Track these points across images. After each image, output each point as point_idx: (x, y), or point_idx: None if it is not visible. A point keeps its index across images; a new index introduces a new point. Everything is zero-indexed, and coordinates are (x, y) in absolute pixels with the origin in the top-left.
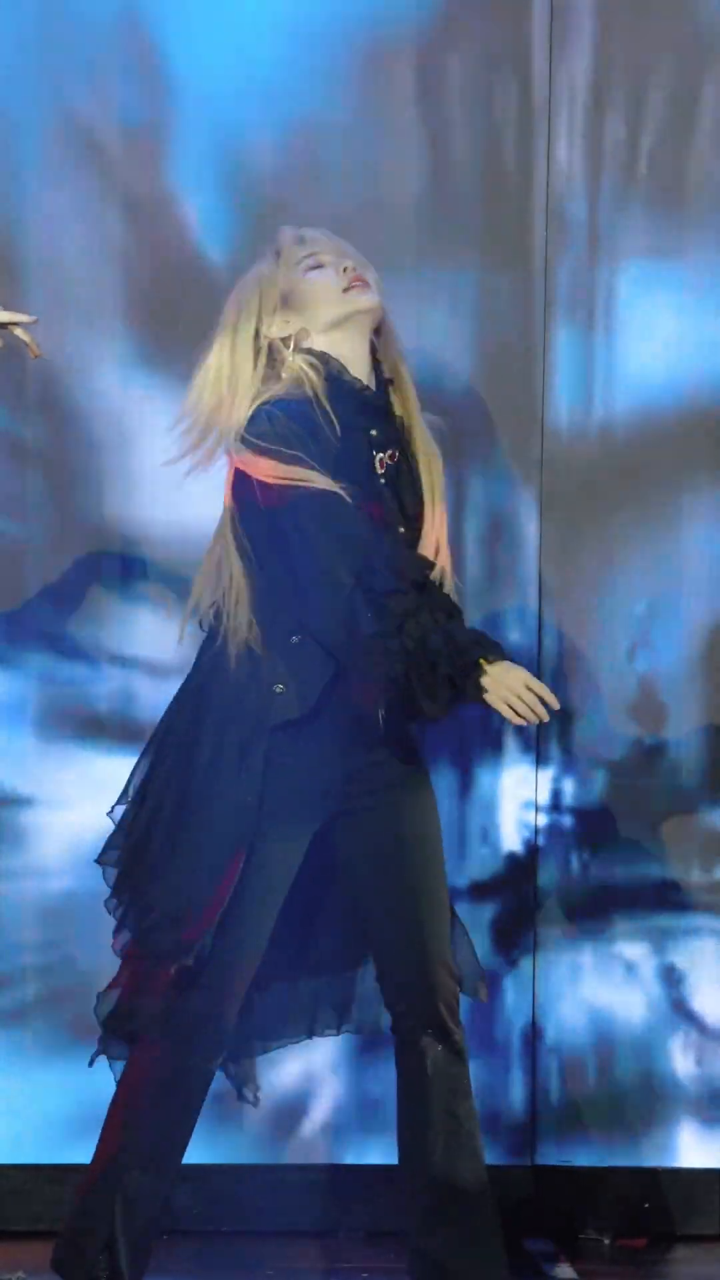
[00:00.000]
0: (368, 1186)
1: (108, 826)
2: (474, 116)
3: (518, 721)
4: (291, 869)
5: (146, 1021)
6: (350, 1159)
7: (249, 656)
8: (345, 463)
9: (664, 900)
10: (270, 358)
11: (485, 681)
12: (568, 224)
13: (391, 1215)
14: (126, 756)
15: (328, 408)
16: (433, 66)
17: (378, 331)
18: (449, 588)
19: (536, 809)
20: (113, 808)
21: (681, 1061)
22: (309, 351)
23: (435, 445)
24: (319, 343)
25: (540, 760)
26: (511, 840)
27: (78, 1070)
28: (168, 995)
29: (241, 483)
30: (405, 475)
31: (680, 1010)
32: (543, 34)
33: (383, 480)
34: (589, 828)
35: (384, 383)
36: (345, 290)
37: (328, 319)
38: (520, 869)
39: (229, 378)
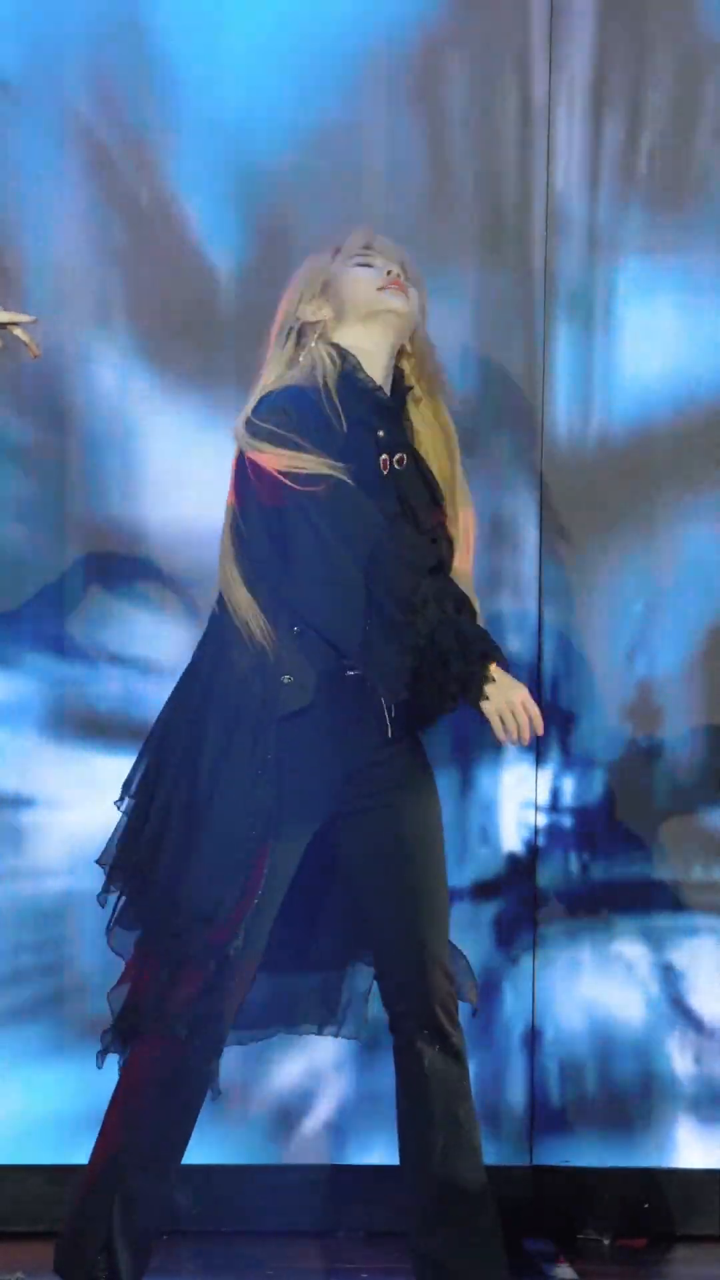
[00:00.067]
0: (368, 1186)
1: (107, 826)
2: (474, 120)
3: (502, 737)
4: (291, 869)
5: (157, 1019)
6: (350, 1159)
7: (253, 649)
8: (350, 458)
9: (663, 900)
10: (299, 340)
11: (489, 689)
12: (568, 226)
13: (391, 1215)
14: (126, 756)
15: (336, 401)
16: (433, 69)
17: (412, 341)
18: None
19: (536, 809)
20: (121, 799)
21: (681, 1062)
22: (332, 344)
23: (456, 463)
24: (344, 335)
25: (540, 760)
26: (511, 840)
27: (77, 1070)
28: (199, 995)
29: (244, 474)
30: (415, 481)
31: (679, 1010)
32: (542, 35)
33: (385, 481)
34: (588, 828)
35: (403, 390)
36: (380, 289)
37: (356, 312)
38: (520, 869)
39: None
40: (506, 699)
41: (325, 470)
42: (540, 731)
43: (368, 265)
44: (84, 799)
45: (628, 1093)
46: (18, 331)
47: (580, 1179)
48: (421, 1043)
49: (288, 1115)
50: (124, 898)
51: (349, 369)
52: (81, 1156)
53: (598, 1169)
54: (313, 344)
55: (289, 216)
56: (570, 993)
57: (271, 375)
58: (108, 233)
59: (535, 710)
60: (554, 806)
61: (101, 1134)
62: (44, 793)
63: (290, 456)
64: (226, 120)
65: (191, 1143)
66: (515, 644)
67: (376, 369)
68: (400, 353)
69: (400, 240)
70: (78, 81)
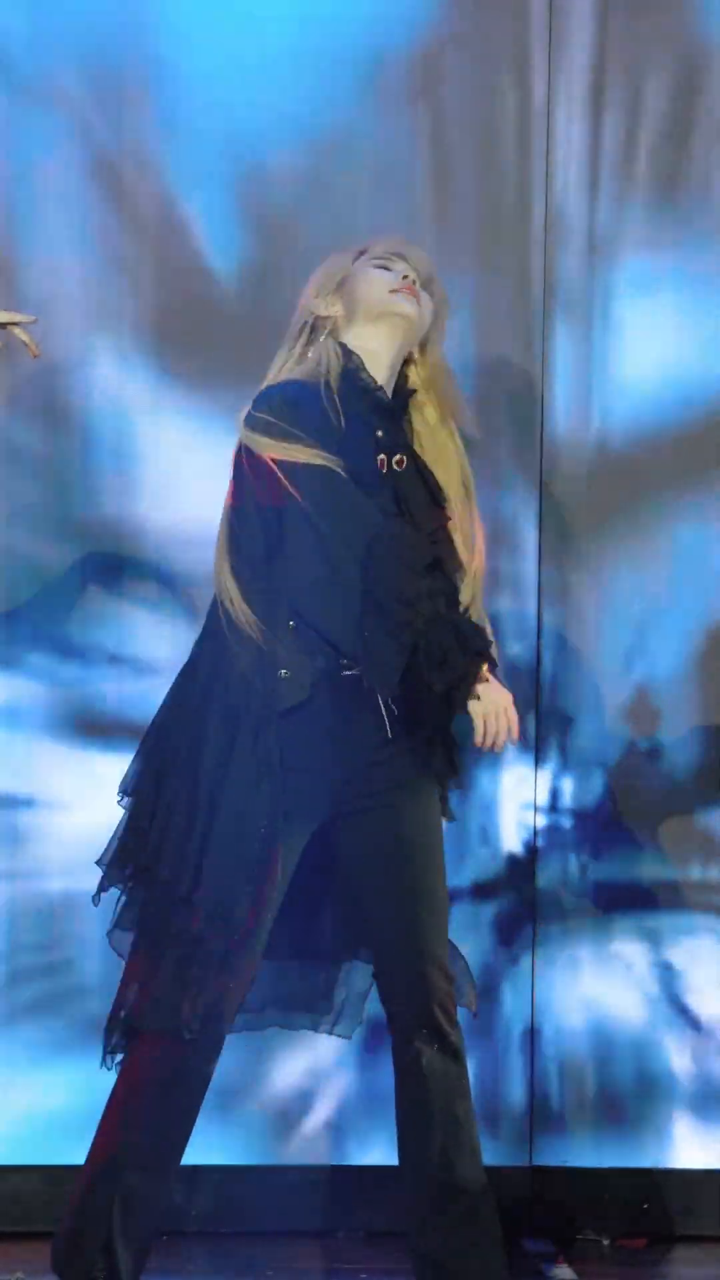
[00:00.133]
0: (368, 1186)
1: (107, 826)
2: (473, 123)
3: (480, 741)
4: (291, 867)
5: (168, 1019)
6: (351, 1159)
7: (250, 646)
8: (348, 455)
9: (662, 900)
10: (311, 335)
11: (480, 689)
12: (567, 228)
13: (391, 1215)
14: (126, 756)
15: (336, 398)
16: (433, 73)
17: (423, 354)
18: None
19: (535, 810)
20: (121, 799)
21: (680, 1062)
22: (339, 342)
23: (463, 465)
24: (352, 334)
25: (539, 762)
26: (511, 841)
27: (78, 1071)
28: (210, 995)
29: (241, 469)
30: (414, 482)
31: (679, 1010)
32: (542, 38)
33: (382, 481)
34: (587, 828)
35: (406, 393)
36: (392, 291)
37: (366, 312)
38: (519, 869)
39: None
40: (494, 701)
41: (319, 461)
42: (515, 743)
43: (385, 268)
44: (83, 799)
45: (627, 1093)
46: (18, 331)
47: (579, 1179)
48: (420, 1042)
49: (288, 1115)
50: (125, 898)
51: (352, 367)
52: (81, 1156)
53: (597, 1169)
54: (322, 339)
55: (288, 218)
56: (570, 993)
57: (281, 368)
58: (108, 234)
59: (515, 718)
60: (553, 807)
61: (99, 1134)
62: (43, 793)
63: (284, 447)
64: (226, 122)
65: (192, 1143)
66: (515, 645)
67: (380, 370)
68: (408, 360)
69: None
70: (79, 83)
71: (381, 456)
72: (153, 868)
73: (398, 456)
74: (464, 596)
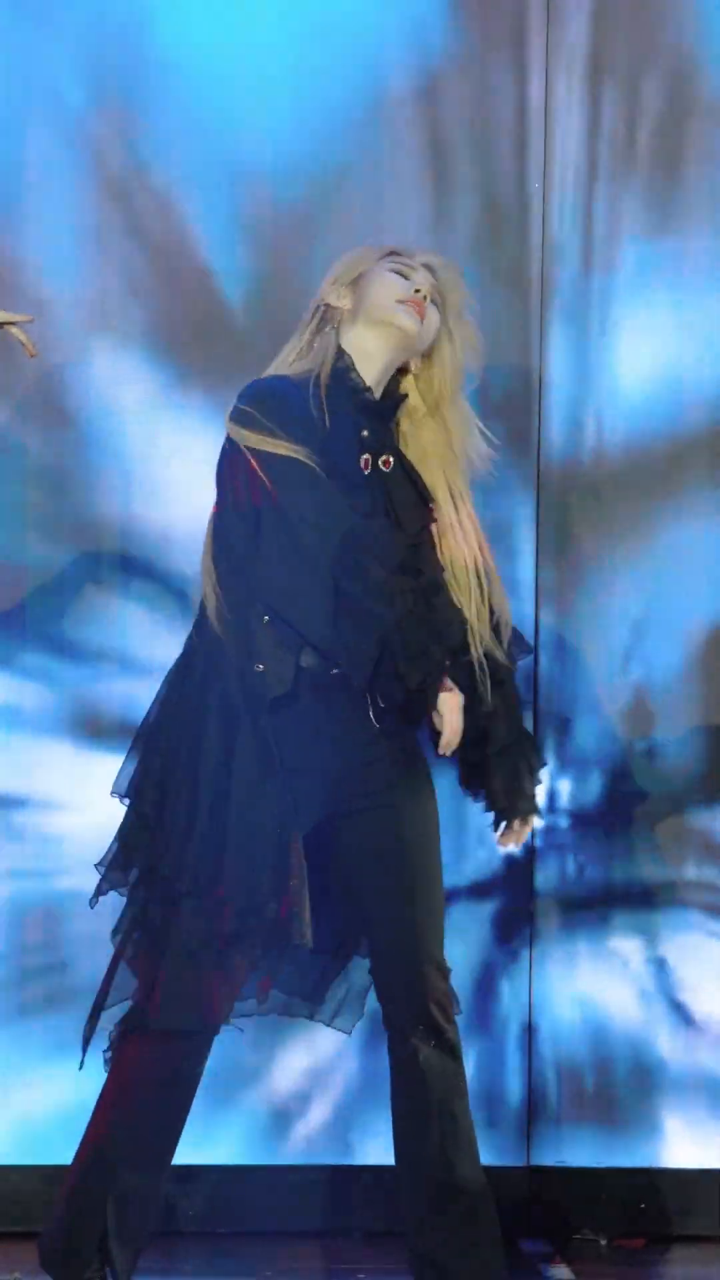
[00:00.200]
0: (368, 1186)
1: (106, 826)
2: (471, 132)
3: (439, 737)
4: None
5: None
6: (350, 1160)
7: (231, 640)
8: (331, 452)
9: (660, 900)
10: (320, 325)
11: (448, 681)
12: (563, 234)
13: (391, 1215)
14: (124, 755)
15: (323, 395)
16: (431, 84)
17: (430, 367)
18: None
19: None
20: (122, 799)
21: (678, 1062)
22: (337, 340)
23: (452, 469)
24: (353, 331)
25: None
26: None
27: (78, 1070)
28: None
29: (223, 465)
30: (400, 484)
31: (677, 1010)
32: (540, 49)
33: (366, 480)
34: (585, 828)
35: (397, 397)
36: (398, 301)
37: (369, 313)
38: (517, 869)
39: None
40: (452, 703)
41: (294, 455)
42: (449, 752)
43: (403, 275)
44: (80, 799)
45: (625, 1093)
46: (15, 331)
47: (577, 1179)
48: (416, 1039)
49: (287, 1115)
50: (129, 900)
51: (342, 367)
52: None
53: (595, 1169)
54: (328, 330)
55: (288, 220)
56: (567, 994)
57: (288, 356)
58: (107, 234)
59: (459, 725)
60: (551, 808)
61: (90, 1132)
62: (40, 792)
63: (260, 439)
64: (225, 123)
65: (192, 1143)
66: None
67: (371, 372)
68: (404, 368)
69: None
70: (79, 84)
71: (366, 456)
72: (158, 867)
73: (384, 457)
74: (465, 596)
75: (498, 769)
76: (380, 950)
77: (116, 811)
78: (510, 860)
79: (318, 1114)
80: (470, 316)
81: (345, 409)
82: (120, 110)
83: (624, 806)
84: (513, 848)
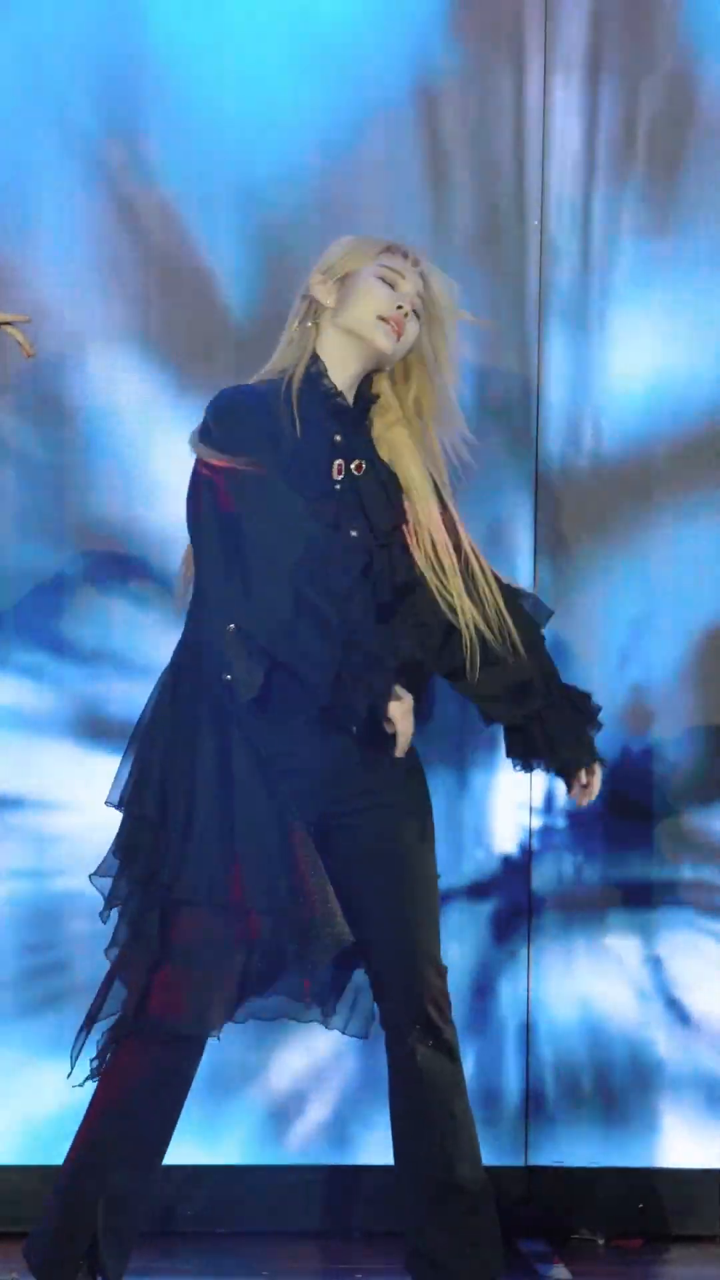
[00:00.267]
0: (367, 1186)
1: (104, 826)
2: (470, 134)
3: (397, 746)
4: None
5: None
6: (350, 1159)
7: (209, 647)
8: (303, 458)
9: (658, 900)
10: (304, 315)
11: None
12: (562, 236)
13: (390, 1215)
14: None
15: (295, 402)
16: (430, 86)
17: (405, 364)
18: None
19: (531, 811)
20: (118, 803)
21: (676, 1062)
22: (313, 345)
23: (428, 468)
24: (331, 330)
25: None
26: (506, 841)
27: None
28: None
29: (193, 474)
30: (373, 488)
31: (675, 1011)
32: (538, 52)
33: (338, 485)
34: (582, 829)
35: (370, 397)
36: (380, 318)
37: (348, 319)
38: (515, 870)
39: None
40: (404, 704)
41: (253, 469)
42: (402, 753)
43: (390, 284)
44: (78, 799)
45: (623, 1093)
46: (12, 331)
47: (575, 1179)
48: (414, 1039)
49: (287, 1115)
50: (122, 912)
51: (315, 373)
52: None
53: (593, 1169)
54: (309, 324)
55: (288, 222)
56: (565, 995)
57: (281, 347)
58: (106, 235)
59: (410, 731)
60: (548, 808)
61: (82, 1134)
62: (38, 792)
63: (218, 454)
64: (225, 124)
65: (191, 1143)
66: None
67: (343, 376)
68: (376, 373)
69: None
70: (81, 90)
71: (339, 462)
72: (158, 873)
73: (356, 462)
74: (460, 600)
75: (548, 727)
76: (376, 950)
77: (116, 811)
78: (508, 860)
79: (317, 1113)
80: (454, 332)
81: (317, 415)
82: (122, 115)
83: (622, 806)
84: (589, 800)
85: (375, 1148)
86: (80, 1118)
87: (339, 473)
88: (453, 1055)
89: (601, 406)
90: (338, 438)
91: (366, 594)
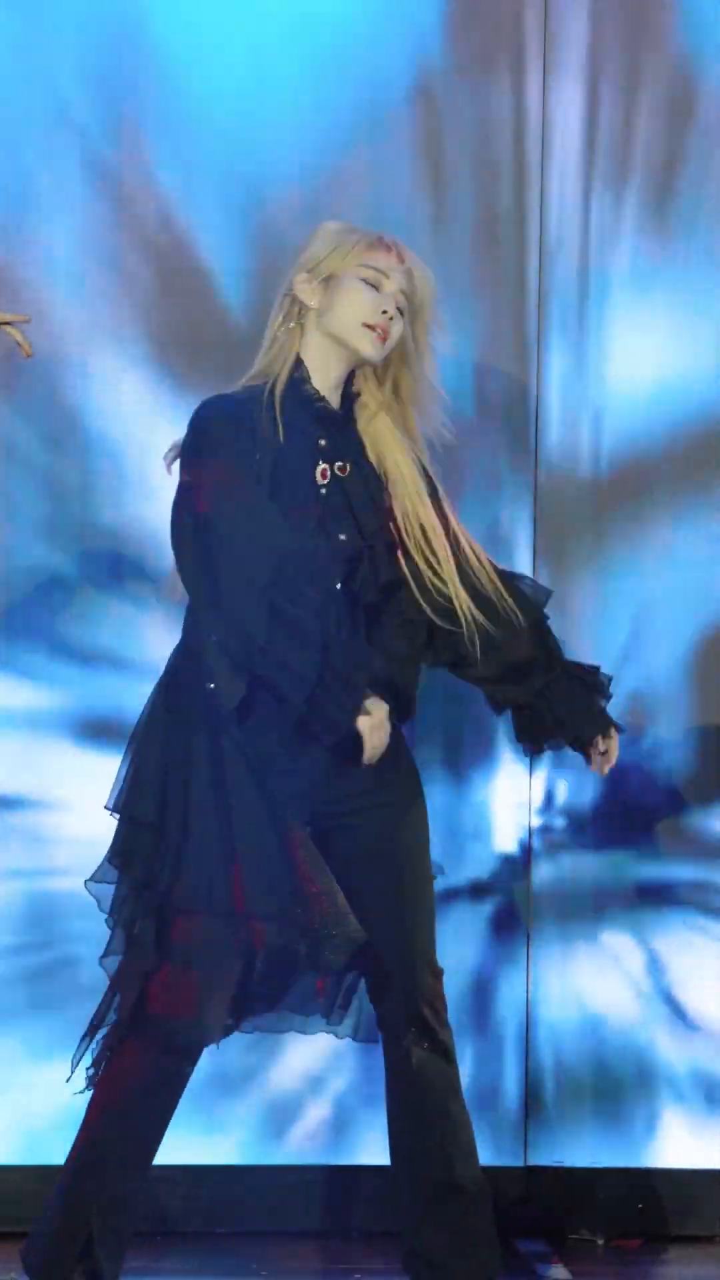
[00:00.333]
0: (365, 1187)
1: (104, 826)
2: (469, 139)
3: (364, 757)
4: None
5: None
6: (349, 1159)
7: (197, 654)
8: (287, 463)
9: (657, 900)
10: (287, 312)
11: (371, 704)
12: (562, 243)
13: (389, 1215)
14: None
15: (278, 409)
16: (430, 90)
17: (388, 363)
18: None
19: (530, 811)
20: (118, 806)
21: (676, 1062)
22: (297, 350)
23: (415, 464)
24: (315, 332)
25: (533, 763)
26: (505, 841)
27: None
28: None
29: (178, 486)
30: (358, 489)
31: (674, 1011)
32: (537, 57)
33: (323, 490)
34: (581, 829)
35: (353, 397)
36: (363, 324)
37: (332, 323)
38: (514, 870)
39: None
40: (374, 716)
41: (233, 480)
42: (371, 763)
43: (373, 285)
44: (76, 799)
45: (622, 1093)
46: (11, 331)
47: (574, 1179)
48: (409, 1040)
49: (285, 1115)
50: (116, 920)
51: (299, 378)
52: None
53: (592, 1169)
54: (293, 325)
55: (287, 223)
56: (564, 994)
57: (267, 343)
58: (106, 237)
59: (380, 744)
60: (547, 808)
61: (81, 1137)
62: (37, 792)
63: (200, 466)
64: (225, 123)
65: (189, 1144)
66: None
67: (326, 380)
68: (356, 373)
69: None
70: (81, 89)
71: (323, 466)
72: (156, 878)
73: (340, 464)
74: (453, 586)
75: (554, 702)
76: (375, 951)
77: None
78: (507, 860)
79: (315, 1114)
80: (434, 321)
81: (300, 421)
82: (122, 115)
83: (621, 806)
84: (608, 769)
85: (374, 1148)
86: (79, 1119)
87: (324, 477)
88: (448, 1057)
89: (601, 407)
90: (322, 442)
91: (344, 604)
